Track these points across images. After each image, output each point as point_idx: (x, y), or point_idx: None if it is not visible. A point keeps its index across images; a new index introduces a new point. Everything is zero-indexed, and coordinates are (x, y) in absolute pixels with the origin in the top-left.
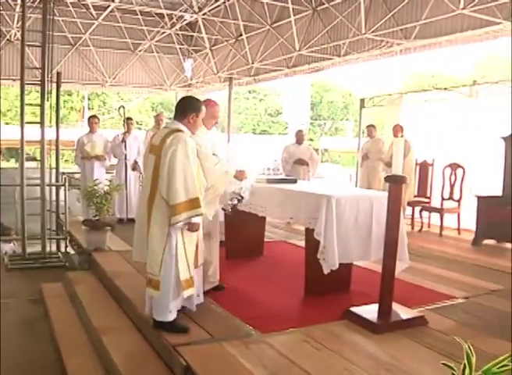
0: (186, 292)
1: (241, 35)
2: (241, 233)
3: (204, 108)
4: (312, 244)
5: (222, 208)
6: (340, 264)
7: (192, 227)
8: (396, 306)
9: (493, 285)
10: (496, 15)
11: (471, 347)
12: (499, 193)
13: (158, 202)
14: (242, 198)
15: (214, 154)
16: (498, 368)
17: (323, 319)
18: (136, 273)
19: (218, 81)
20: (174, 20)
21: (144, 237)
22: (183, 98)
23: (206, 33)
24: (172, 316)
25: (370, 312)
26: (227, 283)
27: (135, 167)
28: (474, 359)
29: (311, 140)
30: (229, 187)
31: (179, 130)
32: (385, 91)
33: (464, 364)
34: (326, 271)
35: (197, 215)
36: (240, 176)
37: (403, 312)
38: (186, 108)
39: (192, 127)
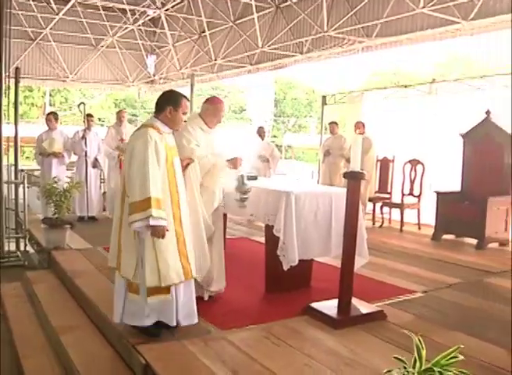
0: (151, 298)
1: (204, 32)
2: None
3: (184, 101)
4: (272, 241)
5: (236, 200)
6: (300, 260)
7: (153, 231)
8: (355, 301)
9: (451, 279)
10: (455, 14)
11: (422, 340)
12: (458, 189)
13: (127, 204)
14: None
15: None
16: (447, 360)
17: (283, 316)
18: (97, 271)
19: (181, 77)
20: (137, 16)
21: (116, 238)
22: (163, 93)
23: (169, 30)
24: (148, 322)
25: (330, 307)
26: None
27: (95, 164)
28: (424, 352)
29: (275, 136)
30: (232, 183)
31: (147, 126)
32: (349, 89)
33: (415, 357)
34: (286, 267)
35: (148, 217)
36: (234, 164)
37: (362, 306)
38: (163, 101)
39: (170, 122)
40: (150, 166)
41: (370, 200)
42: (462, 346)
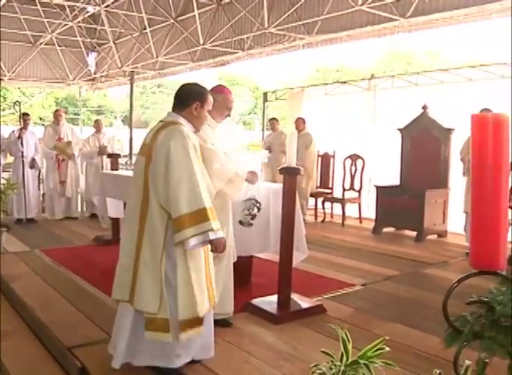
0: (184, 334)
1: (145, 28)
2: None
3: (210, 97)
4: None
5: (240, 222)
6: (240, 257)
7: (217, 247)
8: (295, 296)
9: (391, 271)
10: (393, 12)
11: (348, 334)
12: (398, 182)
13: (152, 218)
14: (260, 204)
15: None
16: (373, 352)
17: None
18: (34, 274)
19: (123, 75)
20: (76, 12)
21: (131, 265)
22: (184, 85)
23: (109, 27)
24: (179, 362)
25: (269, 303)
26: None
27: (33, 165)
28: (350, 346)
29: None
30: (241, 194)
31: (173, 123)
32: (292, 85)
33: (341, 351)
34: None
35: (209, 230)
36: (251, 178)
37: (302, 301)
38: (188, 96)
39: (194, 120)
40: (197, 171)
41: (312, 195)
42: (387, 337)
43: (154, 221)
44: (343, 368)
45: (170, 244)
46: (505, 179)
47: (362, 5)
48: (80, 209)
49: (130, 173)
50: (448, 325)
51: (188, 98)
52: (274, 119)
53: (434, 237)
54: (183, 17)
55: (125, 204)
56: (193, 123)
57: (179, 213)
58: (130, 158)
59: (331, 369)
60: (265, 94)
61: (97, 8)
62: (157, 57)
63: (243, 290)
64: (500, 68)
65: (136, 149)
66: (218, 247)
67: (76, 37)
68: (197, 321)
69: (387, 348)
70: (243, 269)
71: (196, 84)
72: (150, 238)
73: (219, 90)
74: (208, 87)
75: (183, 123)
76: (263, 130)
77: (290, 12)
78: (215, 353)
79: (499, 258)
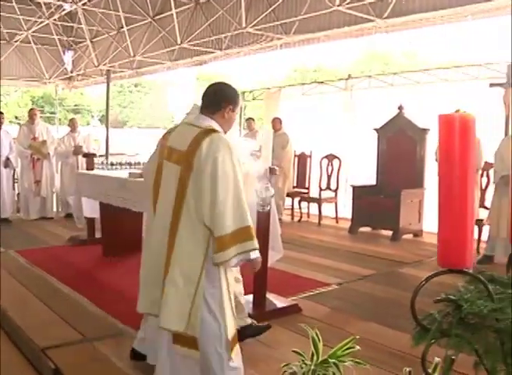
0: (234, 351)
1: (123, 27)
2: (119, 230)
3: (240, 101)
4: None
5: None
6: None
7: (255, 266)
8: (270, 296)
9: (366, 271)
10: (370, 12)
11: (318, 333)
12: (374, 182)
13: (186, 233)
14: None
15: None
16: (343, 351)
17: None
18: (8, 275)
19: (100, 74)
20: (52, 10)
21: (160, 279)
22: (214, 85)
23: (86, 25)
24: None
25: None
26: (104, 281)
27: (7, 164)
28: (321, 345)
29: None
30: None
31: (213, 130)
32: (270, 85)
33: (312, 351)
34: None
35: (252, 250)
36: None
37: (277, 301)
38: (221, 98)
39: (225, 125)
40: (242, 187)
41: (288, 195)
42: (358, 337)
43: (189, 236)
44: (313, 367)
45: (210, 262)
46: (471, 178)
47: (340, 5)
48: (55, 209)
49: (107, 173)
50: (416, 323)
51: (221, 101)
52: (250, 118)
53: (410, 236)
54: (161, 16)
55: (101, 203)
56: (223, 127)
57: (225, 232)
58: (107, 158)
59: (301, 368)
60: (242, 93)
61: (74, 6)
62: (134, 56)
63: None
64: (475, 69)
65: (113, 149)
66: (256, 266)
67: (52, 35)
68: (237, 336)
69: (357, 347)
70: None
71: (227, 84)
72: (182, 254)
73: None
74: (188, 87)
75: (217, 128)
76: (240, 129)
77: (268, 11)
78: None
79: (466, 257)
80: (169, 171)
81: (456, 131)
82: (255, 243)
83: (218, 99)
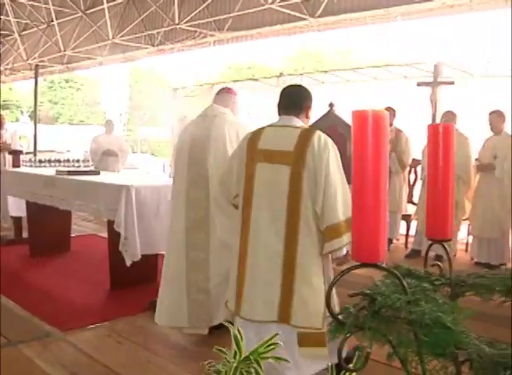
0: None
1: (53, 21)
2: (45, 229)
3: None
4: (115, 237)
5: None
6: (145, 255)
7: (344, 259)
8: None
9: None
10: (303, 11)
11: (241, 331)
12: None
13: (305, 226)
14: None
15: None
16: (265, 347)
17: (128, 312)
18: None
19: (29, 68)
20: None
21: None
22: (293, 87)
23: (14, 17)
24: None
25: None
26: (30, 282)
27: None
28: (243, 343)
29: (131, 130)
30: None
31: (313, 128)
32: (204, 82)
33: (235, 349)
34: (129, 263)
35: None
36: None
37: None
38: (304, 99)
39: (307, 124)
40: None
41: None
42: (279, 333)
43: (307, 233)
44: (235, 365)
45: (324, 255)
46: (384, 172)
47: (272, 3)
48: None
49: (35, 171)
50: (332, 317)
51: (304, 102)
52: (183, 115)
53: None
54: (92, 10)
55: (27, 202)
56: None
57: (338, 220)
58: (35, 155)
59: (225, 365)
60: (175, 90)
61: None
62: (64, 50)
63: (150, 288)
64: (404, 69)
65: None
66: (345, 260)
67: None
68: None
69: (281, 343)
70: (149, 267)
71: (302, 86)
72: (303, 254)
73: (235, 92)
74: (121, 83)
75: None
76: (171, 126)
77: (201, 8)
78: (119, 353)
79: (380, 251)
80: (272, 173)
81: (370, 127)
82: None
83: (303, 101)
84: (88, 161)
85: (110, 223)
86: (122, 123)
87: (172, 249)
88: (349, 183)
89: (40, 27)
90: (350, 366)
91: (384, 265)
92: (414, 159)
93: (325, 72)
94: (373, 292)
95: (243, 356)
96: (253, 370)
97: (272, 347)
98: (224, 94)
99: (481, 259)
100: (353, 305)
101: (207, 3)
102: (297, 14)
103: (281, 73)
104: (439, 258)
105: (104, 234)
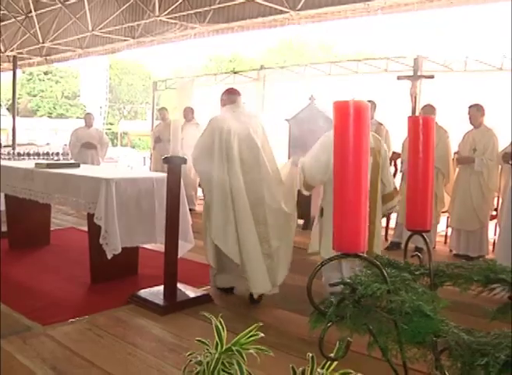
0: None
1: (31, 12)
2: (25, 222)
3: None
4: (95, 230)
5: None
6: (126, 248)
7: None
8: (182, 286)
9: None
10: (284, 4)
11: (222, 322)
12: None
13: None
14: None
15: None
16: (247, 338)
17: (109, 306)
18: None
19: (7, 60)
20: None
21: None
22: None
23: None
24: None
25: (156, 294)
26: (9, 275)
27: None
28: (224, 333)
29: (111, 124)
30: None
31: None
32: (185, 74)
33: (216, 340)
34: (109, 256)
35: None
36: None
37: (189, 291)
38: None
39: None
40: None
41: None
42: (261, 324)
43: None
44: (217, 355)
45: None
46: (365, 164)
47: None
48: None
49: (13, 164)
50: (313, 307)
51: None
52: (163, 108)
53: None
54: (72, 1)
55: (6, 195)
56: None
57: (392, 187)
58: (14, 148)
59: (206, 357)
60: (155, 83)
61: None
62: (43, 42)
63: (130, 281)
64: (384, 62)
65: (22, 139)
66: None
67: None
68: None
69: (261, 334)
70: (130, 260)
71: None
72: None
73: (235, 91)
74: (101, 75)
75: None
76: (152, 119)
77: (182, 0)
78: (99, 347)
79: (360, 242)
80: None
81: (351, 118)
82: None
83: None
84: (68, 154)
85: (90, 217)
86: (102, 116)
87: (243, 226)
88: None
89: (18, 18)
90: (331, 355)
91: (365, 255)
92: (394, 152)
93: (306, 65)
94: (354, 282)
95: (224, 347)
96: (235, 361)
97: (254, 338)
98: (235, 96)
99: (460, 251)
100: (334, 295)
101: None
102: (278, 7)
103: (262, 66)
104: (418, 250)
105: (85, 228)
